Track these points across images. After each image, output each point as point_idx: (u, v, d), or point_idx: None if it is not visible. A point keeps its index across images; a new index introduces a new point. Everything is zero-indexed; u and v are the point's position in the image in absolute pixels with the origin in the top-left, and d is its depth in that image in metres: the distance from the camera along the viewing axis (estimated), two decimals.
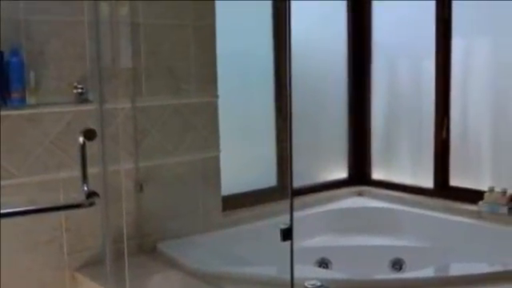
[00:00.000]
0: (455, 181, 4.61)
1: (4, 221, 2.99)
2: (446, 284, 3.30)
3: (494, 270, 3.32)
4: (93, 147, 3.00)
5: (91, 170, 2.95)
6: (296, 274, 2.45)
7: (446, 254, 4.10)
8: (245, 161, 4.47)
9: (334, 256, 4.38)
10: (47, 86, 3.28)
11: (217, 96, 4.00)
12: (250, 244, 3.93)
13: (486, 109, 4.46)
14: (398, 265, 4.34)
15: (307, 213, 4.61)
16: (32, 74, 3.20)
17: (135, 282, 3.21)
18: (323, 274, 4.02)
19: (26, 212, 3.01)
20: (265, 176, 4.62)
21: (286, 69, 2.73)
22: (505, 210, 4.09)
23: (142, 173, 3.68)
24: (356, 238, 4.55)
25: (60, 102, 3.32)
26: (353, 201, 5.03)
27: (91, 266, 3.45)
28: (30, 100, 3.19)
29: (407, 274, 4.17)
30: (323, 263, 4.36)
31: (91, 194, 2.94)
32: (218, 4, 3.97)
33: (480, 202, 4.22)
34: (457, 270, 3.87)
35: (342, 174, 5.29)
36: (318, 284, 2.58)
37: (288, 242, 2.40)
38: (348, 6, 5.15)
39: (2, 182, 3.12)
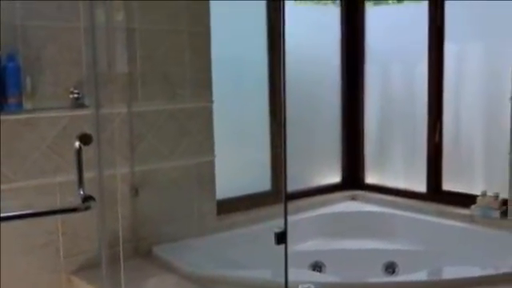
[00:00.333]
0: (448, 185, 4.64)
1: (1, 224, 3.00)
2: (439, 287, 3.34)
3: (487, 274, 3.34)
4: (89, 152, 3.00)
5: (87, 175, 2.95)
6: (290, 278, 2.47)
7: (438, 258, 4.11)
8: (239, 165, 4.48)
9: (328, 259, 4.38)
10: (43, 91, 3.29)
11: (212, 101, 4.02)
12: (245, 248, 3.94)
13: (479, 113, 4.49)
14: (391, 268, 4.36)
15: (301, 217, 4.62)
16: (28, 79, 3.20)
17: (131, 285, 3.22)
18: (317, 277, 4.04)
19: (23, 216, 3.00)
20: (259, 180, 4.63)
21: (280, 74, 2.75)
22: (497, 214, 4.11)
23: (137, 177, 3.70)
24: (349, 241, 4.57)
25: (56, 106, 3.34)
26: (346, 205, 5.04)
27: (87, 269, 3.46)
28: (27, 105, 3.20)
29: (400, 278, 4.19)
30: (317, 267, 4.37)
31: (87, 198, 2.94)
32: (212, 10, 3.99)
33: (472, 206, 4.24)
34: (449, 273, 3.88)
35: (335, 178, 5.31)
36: (312, 287, 2.61)
37: (282, 246, 2.41)
38: (341, 11, 5.18)
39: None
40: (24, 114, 3.21)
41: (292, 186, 4.46)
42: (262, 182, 4.64)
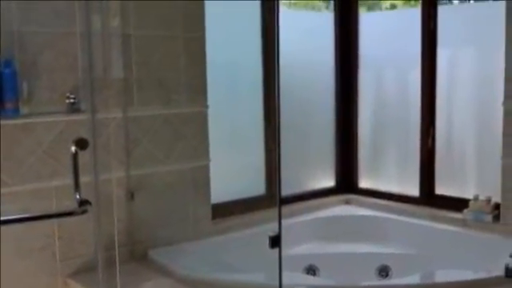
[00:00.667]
0: (441, 189, 4.66)
1: None
2: None
3: (479, 277, 3.37)
4: (85, 156, 3.01)
5: (83, 179, 2.96)
6: (284, 281, 2.49)
7: (431, 262, 4.12)
8: (234, 169, 4.50)
9: (322, 263, 4.39)
10: (40, 96, 3.31)
11: (206, 106, 4.03)
12: (239, 251, 3.95)
13: (471, 118, 4.51)
14: (384, 272, 4.37)
15: (295, 221, 4.63)
16: (25, 85, 3.22)
17: None
18: (311, 280, 4.06)
19: (20, 220, 3.00)
20: (253, 184, 4.65)
21: (275, 79, 2.75)
22: (489, 217, 4.13)
23: (133, 181, 3.71)
24: (343, 245, 4.57)
25: (52, 111, 3.36)
26: (340, 209, 5.05)
27: (83, 272, 3.48)
28: (23, 110, 3.22)
29: (393, 281, 4.20)
30: (311, 270, 4.38)
31: (83, 202, 2.94)
32: (207, 16, 4.00)
33: (465, 210, 4.26)
34: (442, 276, 3.91)
35: (329, 182, 5.32)
36: None
37: (276, 250, 2.43)
38: (335, 17, 5.20)
39: None
40: (21, 118, 3.23)
41: (286, 190, 4.47)
42: (256, 186, 4.66)
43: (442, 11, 4.55)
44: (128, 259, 3.68)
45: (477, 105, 4.48)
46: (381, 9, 5.85)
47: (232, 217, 4.39)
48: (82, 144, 2.99)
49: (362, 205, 5.07)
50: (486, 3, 4.89)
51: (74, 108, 3.40)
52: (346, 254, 4.46)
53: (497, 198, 4.12)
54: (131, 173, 3.72)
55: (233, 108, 4.52)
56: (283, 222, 2.47)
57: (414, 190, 4.81)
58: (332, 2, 5.25)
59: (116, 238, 3.34)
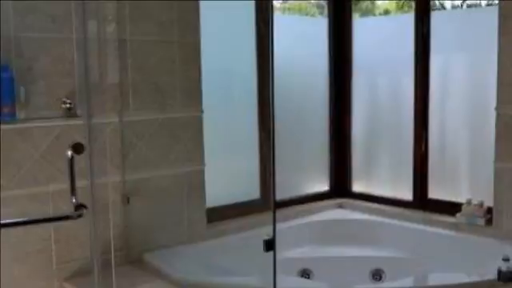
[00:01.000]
0: (434, 193, 4.68)
1: None
2: None
3: (472, 281, 3.39)
4: (81, 160, 3.02)
5: (79, 183, 2.99)
6: (279, 284, 2.51)
7: (424, 265, 4.14)
8: (229, 174, 4.51)
9: (316, 266, 4.42)
10: (36, 101, 3.32)
11: (202, 111, 4.04)
12: (234, 255, 3.96)
13: (464, 123, 4.54)
14: (378, 275, 4.40)
15: (290, 224, 4.64)
16: (22, 90, 3.23)
17: None
18: (305, 284, 4.09)
19: (17, 223, 3.04)
20: (248, 189, 4.66)
21: (269, 85, 2.78)
22: (482, 221, 4.15)
23: (128, 185, 3.72)
24: (337, 248, 4.59)
25: (49, 116, 3.36)
26: (334, 213, 5.07)
27: (79, 276, 3.49)
28: (20, 114, 3.23)
29: (387, 284, 4.24)
30: (305, 273, 4.41)
31: (79, 206, 2.96)
32: (203, 22, 4.02)
33: (458, 214, 4.29)
34: (435, 280, 3.93)
35: (323, 186, 5.34)
36: None
37: (271, 253, 2.46)
38: (329, 23, 5.22)
39: None
40: (18, 123, 3.23)
41: (281, 195, 4.52)
42: (251, 190, 4.67)
43: (435, 17, 4.58)
44: (124, 262, 3.69)
45: (469, 109, 4.51)
46: (374, 14, 5.89)
47: (227, 221, 4.40)
48: (78, 148, 3.01)
49: (355, 209, 5.08)
50: (478, 9, 4.94)
51: (70, 113, 3.40)
52: (339, 258, 4.48)
53: (489, 202, 4.14)
54: (127, 177, 3.72)
55: (228, 113, 4.53)
56: (278, 225, 2.49)
57: (407, 194, 4.83)
58: (326, 8, 5.27)
59: (112, 242, 3.35)
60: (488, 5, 5.01)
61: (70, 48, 3.44)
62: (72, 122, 3.42)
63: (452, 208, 4.39)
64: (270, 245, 2.47)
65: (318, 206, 5.09)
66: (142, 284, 3.44)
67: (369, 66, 5.16)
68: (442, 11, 5.12)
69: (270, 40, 2.81)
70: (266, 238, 2.46)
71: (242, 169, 4.68)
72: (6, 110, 3.13)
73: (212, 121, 4.16)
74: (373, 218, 4.85)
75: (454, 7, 5.33)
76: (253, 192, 4.69)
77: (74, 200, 2.98)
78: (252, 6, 4.59)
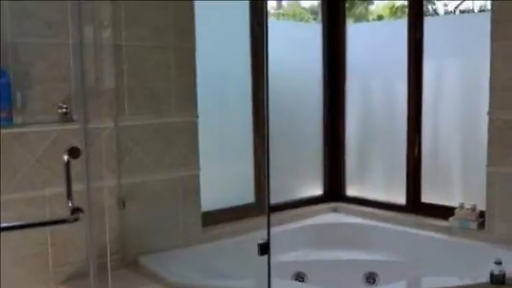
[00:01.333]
0: (427, 197, 4.70)
1: None
2: None
3: (464, 284, 3.41)
4: (77, 165, 3.04)
5: (76, 187, 3.00)
6: None
7: (417, 268, 4.15)
8: (224, 178, 4.52)
9: (310, 270, 4.43)
10: (33, 106, 3.33)
11: (197, 116, 4.05)
12: (229, 258, 3.97)
13: (457, 127, 4.57)
14: (371, 278, 4.41)
15: (284, 228, 4.65)
16: (18, 95, 3.24)
17: None
18: (299, 287, 4.11)
19: (14, 227, 3.05)
20: (243, 193, 4.67)
21: (264, 90, 2.79)
22: (474, 225, 4.17)
23: (124, 190, 3.73)
24: (331, 252, 4.59)
25: (45, 121, 3.37)
26: (328, 217, 5.08)
27: (76, 279, 3.49)
28: (17, 119, 3.23)
29: None
30: (299, 277, 4.42)
31: (76, 210, 2.97)
32: (198, 27, 4.03)
33: (450, 218, 4.31)
34: (428, 283, 3.95)
35: (317, 190, 5.36)
36: None
37: (265, 257, 2.48)
38: (323, 28, 5.24)
39: None
40: (14, 128, 3.24)
41: (275, 199, 4.53)
42: (245, 194, 4.68)
43: (428, 22, 4.61)
44: (119, 266, 3.70)
45: (462, 114, 4.53)
46: (368, 20, 5.93)
47: (222, 224, 4.41)
48: (74, 153, 3.01)
49: (349, 213, 5.10)
50: (471, 14, 4.98)
51: (66, 117, 3.40)
52: (333, 261, 4.48)
53: (482, 206, 4.15)
54: (123, 181, 3.73)
55: (222, 118, 4.55)
56: (272, 229, 2.52)
57: (400, 198, 4.85)
58: (320, 14, 5.30)
59: (108, 245, 3.37)
60: (480, 10, 5.05)
61: (66, 53, 3.44)
62: (68, 126, 3.42)
63: (445, 212, 4.40)
64: (264, 248, 2.48)
65: (312, 210, 5.10)
66: (138, 287, 3.45)
67: (362, 71, 5.17)
68: (435, 17, 5.16)
69: (264, 42, 2.83)
70: (261, 241, 2.48)
71: (236, 173, 4.69)
72: (3, 114, 3.13)
73: (207, 125, 4.17)
74: (366, 221, 4.86)
75: (446, 13, 5.38)
76: (247, 196, 4.71)
77: (70, 204, 3.00)
78: (246, 8, 4.62)
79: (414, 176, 4.75)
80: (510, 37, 3.88)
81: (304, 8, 6.09)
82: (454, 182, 4.63)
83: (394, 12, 5.74)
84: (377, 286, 4.37)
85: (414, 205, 4.75)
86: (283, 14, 5.93)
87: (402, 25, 4.72)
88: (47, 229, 3.41)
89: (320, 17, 5.30)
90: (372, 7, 6.21)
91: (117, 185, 3.72)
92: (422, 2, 4.64)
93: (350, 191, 5.33)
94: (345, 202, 5.27)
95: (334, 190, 5.37)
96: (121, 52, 3.72)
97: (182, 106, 4.00)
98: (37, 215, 3.34)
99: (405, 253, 4.42)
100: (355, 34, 5.21)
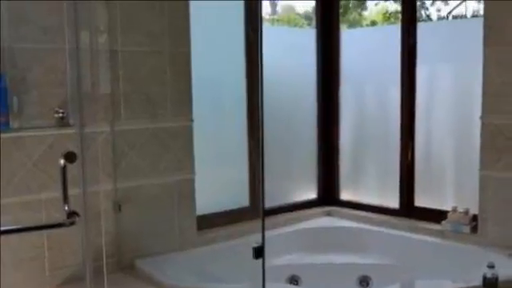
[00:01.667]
0: (420, 201, 4.73)
1: None
2: None
3: (457, 287, 3.43)
4: (73, 169, 3.03)
5: (72, 191, 2.98)
6: None
7: (411, 272, 4.17)
8: (219, 182, 4.54)
9: (304, 273, 4.46)
10: (30, 111, 3.35)
11: (192, 120, 4.08)
12: (224, 262, 3.99)
13: (450, 132, 4.59)
14: (364, 282, 4.44)
15: (278, 232, 4.67)
16: (15, 99, 3.26)
17: None
18: None
19: (11, 231, 3.04)
20: (238, 197, 4.69)
21: (258, 94, 2.81)
22: (467, 229, 4.20)
23: (120, 194, 3.76)
24: (325, 255, 4.62)
25: (42, 125, 3.40)
26: (322, 220, 5.10)
27: (72, 282, 3.52)
28: (14, 124, 3.26)
29: None
30: (293, 280, 4.44)
31: (72, 214, 2.96)
32: (193, 32, 4.05)
33: (443, 222, 4.34)
34: (421, 286, 3.98)
35: (311, 194, 5.38)
36: None
37: (260, 260, 2.50)
38: (317, 34, 5.27)
39: None
40: (11, 132, 3.26)
41: (270, 203, 4.55)
42: (240, 198, 4.70)
43: (421, 28, 4.64)
44: (115, 269, 3.72)
45: (455, 119, 4.56)
46: (361, 26, 5.95)
47: (217, 228, 4.43)
48: (70, 157, 3.00)
49: (343, 216, 5.12)
50: (463, 20, 5.01)
51: (62, 122, 3.43)
52: (327, 265, 4.51)
53: (474, 210, 4.18)
54: (119, 185, 3.76)
55: (217, 122, 4.57)
56: (267, 233, 2.54)
57: (393, 202, 4.88)
58: (314, 19, 5.33)
59: (104, 249, 3.36)
60: (473, 16, 5.07)
61: (62, 58, 3.47)
62: (64, 131, 3.44)
63: (438, 216, 4.43)
64: (259, 252, 2.50)
65: (306, 214, 5.12)
66: None
67: (356, 77, 5.20)
68: (428, 22, 5.18)
69: (259, 47, 2.84)
70: (255, 245, 2.50)
71: (231, 177, 4.71)
72: (0, 119, 3.16)
73: (202, 130, 4.19)
74: (360, 225, 4.88)
75: (439, 18, 5.40)
76: (242, 200, 4.72)
77: (66, 208, 2.98)
78: (241, 14, 4.64)
79: (407, 180, 4.77)
80: (502, 42, 3.92)
81: (298, 14, 6.11)
82: (446, 186, 4.65)
83: (388, 18, 5.77)
84: None
85: (408, 209, 4.77)
86: (278, 20, 5.95)
87: (395, 30, 4.75)
88: (44, 232, 3.43)
89: (314, 22, 5.34)
90: (366, 13, 6.24)
91: (113, 189, 3.75)
92: (415, 8, 4.68)
93: (344, 195, 5.36)
94: (339, 205, 5.29)
95: (328, 194, 5.39)
96: (117, 57, 3.74)
97: (178, 110, 4.02)
98: (33, 219, 3.35)
99: (398, 256, 4.44)
100: (349, 39, 5.24)
